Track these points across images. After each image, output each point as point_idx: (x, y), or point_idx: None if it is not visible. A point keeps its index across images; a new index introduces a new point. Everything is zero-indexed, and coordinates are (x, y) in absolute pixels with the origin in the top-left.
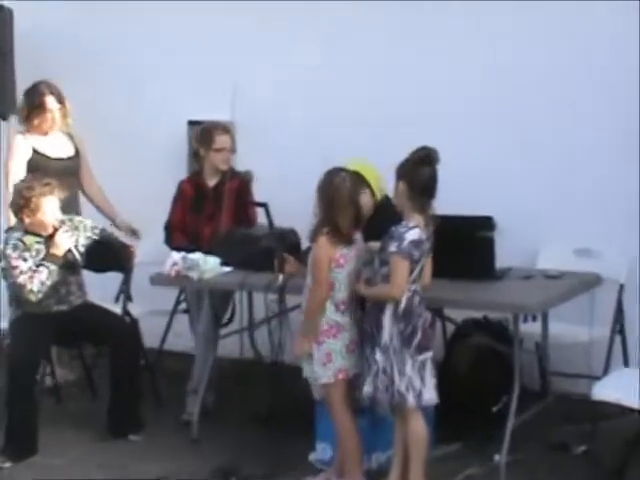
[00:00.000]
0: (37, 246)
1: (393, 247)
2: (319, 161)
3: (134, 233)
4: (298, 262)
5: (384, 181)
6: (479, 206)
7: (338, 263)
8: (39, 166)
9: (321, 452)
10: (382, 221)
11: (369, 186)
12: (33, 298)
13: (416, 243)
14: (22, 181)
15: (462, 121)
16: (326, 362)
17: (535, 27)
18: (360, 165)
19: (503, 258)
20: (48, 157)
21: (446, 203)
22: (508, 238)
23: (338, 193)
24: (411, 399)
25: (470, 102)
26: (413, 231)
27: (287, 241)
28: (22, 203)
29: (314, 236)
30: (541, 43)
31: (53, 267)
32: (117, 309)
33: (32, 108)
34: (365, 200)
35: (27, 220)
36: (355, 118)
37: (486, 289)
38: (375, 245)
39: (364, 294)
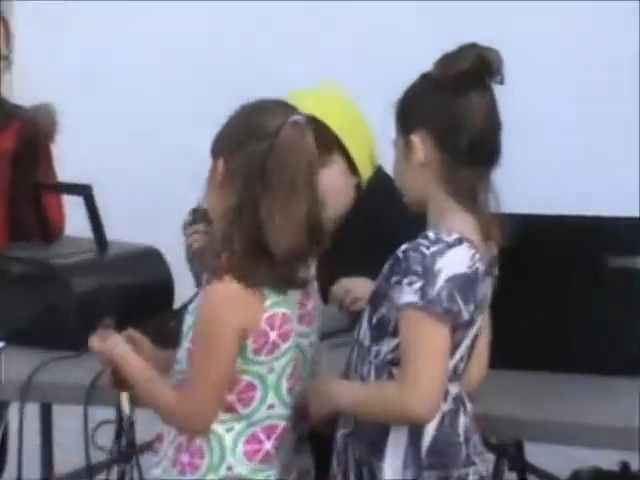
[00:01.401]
0: None
1: (410, 294)
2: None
3: None
4: (165, 341)
5: (373, 139)
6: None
7: (266, 340)
8: None
9: None
10: (374, 228)
11: (341, 148)
12: None
13: (463, 283)
14: None
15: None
16: None
17: None
18: (325, 97)
19: None
20: None
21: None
22: None
23: (295, 167)
24: None
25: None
26: (455, 253)
27: (140, 278)
28: None
29: (217, 271)
30: None
31: None
32: None
33: None
34: (331, 182)
35: None
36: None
37: (625, 398)
38: (358, 286)
39: (339, 403)
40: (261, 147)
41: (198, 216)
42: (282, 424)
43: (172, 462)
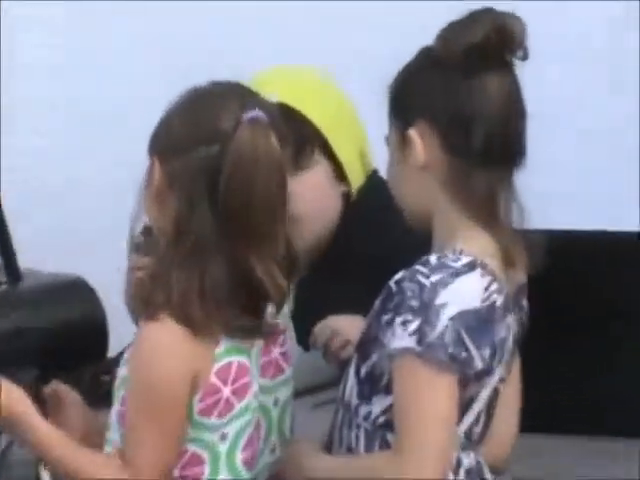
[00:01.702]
0: None
1: (404, 337)
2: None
3: None
4: (98, 399)
5: (365, 136)
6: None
7: (217, 399)
8: None
9: None
10: (367, 250)
11: (325, 146)
12: None
13: (475, 321)
14: None
15: None
16: None
17: None
18: (297, 81)
19: None
20: None
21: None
22: None
23: (264, 185)
24: None
25: None
26: (464, 282)
27: (66, 324)
28: None
29: (150, 308)
30: None
31: None
32: None
33: None
34: (312, 189)
35: None
36: None
37: None
38: (348, 326)
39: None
40: (209, 152)
41: (150, 239)
42: None
43: None
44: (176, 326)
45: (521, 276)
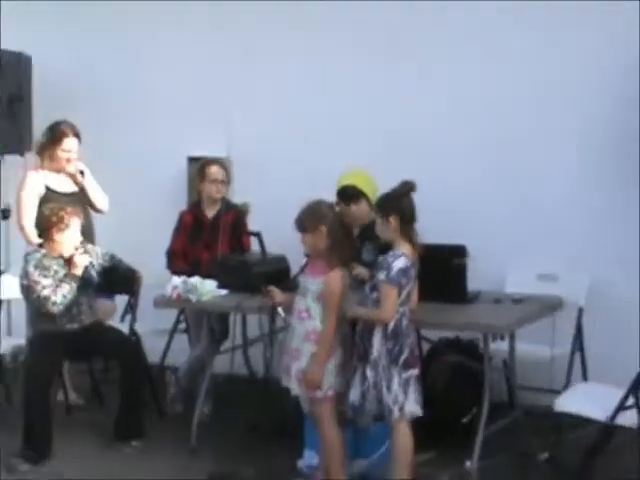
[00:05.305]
0: (56, 267)
1: (382, 275)
2: (310, 192)
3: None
4: (286, 290)
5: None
6: (453, 235)
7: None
8: (50, 201)
9: (309, 459)
10: (374, 236)
11: (366, 196)
12: (55, 310)
13: (404, 271)
14: (50, 205)
15: (438, 153)
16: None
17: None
18: (358, 174)
19: (474, 283)
20: (58, 192)
21: (424, 232)
22: (479, 264)
23: (338, 224)
24: (396, 412)
25: (443, 133)
26: (401, 259)
27: (277, 267)
28: (54, 220)
29: (330, 266)
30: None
31: (74, 284)
32: (124, 328)
33: (51, 145)
34: (362, 209)
35: (54, 238)
36: (346, 149)
37: (459, 311)
38: (363, 271)
39: (356, 315)
40: (329, 218)
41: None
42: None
43: None
44: (340, 271)
45: (416, 257)
